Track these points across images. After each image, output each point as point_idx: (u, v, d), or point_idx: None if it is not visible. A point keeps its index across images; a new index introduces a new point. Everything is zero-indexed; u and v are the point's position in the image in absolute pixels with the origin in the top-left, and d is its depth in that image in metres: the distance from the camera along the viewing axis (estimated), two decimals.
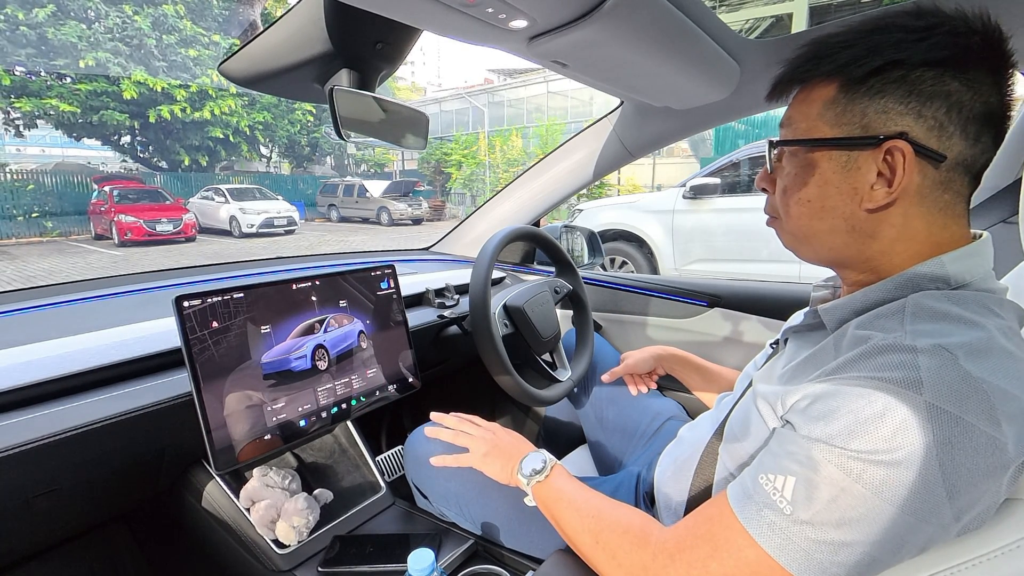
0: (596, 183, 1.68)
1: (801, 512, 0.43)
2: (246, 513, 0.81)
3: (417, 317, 1.14)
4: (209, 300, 0.74)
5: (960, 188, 0.49)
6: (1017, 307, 0.49)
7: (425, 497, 0.91)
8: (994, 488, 0.41)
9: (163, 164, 14.99)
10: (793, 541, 0.43)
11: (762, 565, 0.44)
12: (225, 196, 12.32)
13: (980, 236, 0.52)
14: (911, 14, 0.48)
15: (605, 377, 1.05)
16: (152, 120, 12.77)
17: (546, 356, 1.18)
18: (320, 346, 0.87)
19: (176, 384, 0.76)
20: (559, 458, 1.21)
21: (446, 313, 1.19)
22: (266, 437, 0.78)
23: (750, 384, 0.64)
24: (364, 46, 0.82)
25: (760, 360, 0.72)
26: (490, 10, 0.65)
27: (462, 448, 0.78)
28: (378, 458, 1.04)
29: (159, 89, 12.13)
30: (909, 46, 0.46)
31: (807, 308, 0.63)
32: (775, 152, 0.56)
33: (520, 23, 0.70)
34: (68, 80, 11.98)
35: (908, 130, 0.47)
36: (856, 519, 0.41)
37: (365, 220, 14.88)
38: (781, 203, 0.56)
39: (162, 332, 0.84)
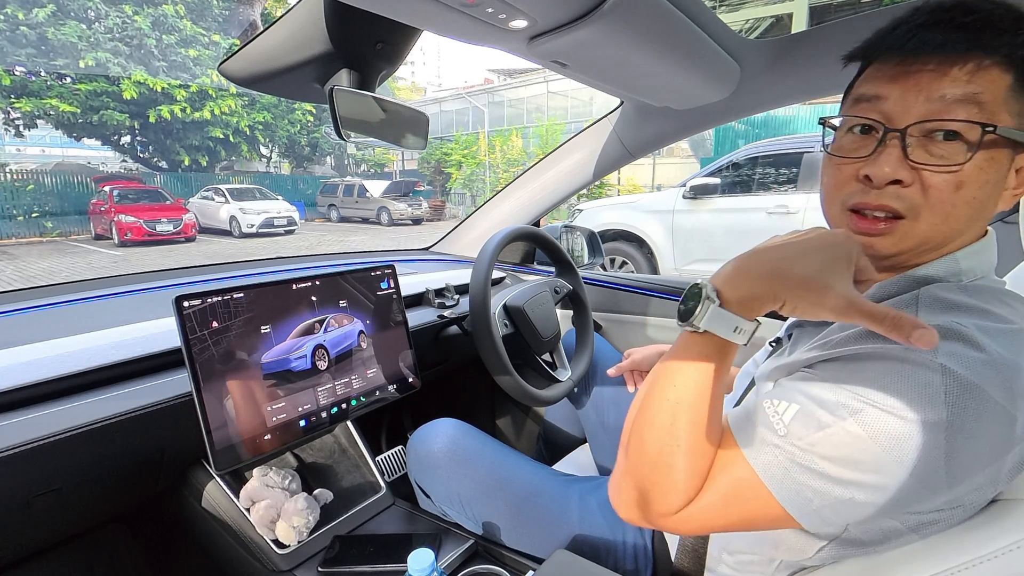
0: (596, 183, 1.68)
1: (794, 436, 0.43)
2: (246, 513, 0.81)
3: (417, 317, 1.14)
4: (209, 300, 0.74)
5: None
6: (1022, 299, 0.49)
7: (428, 496, 0.91)
8: (995, 465, 0.41)
9: (163, 164, 14.99)
10: (778, 459, 0.44)
11: (744, 478, 0.45)
12: (225, 196, 12.32)
13: (987, 232, 0.52)
14: None
15: (611, 371, 1.04)
16: (152, 120, 12.77)
17: (546, 356, 1.18)
18: (320, 346, 0.87)
19: (176, 384, 0.76)
20: (558, 458, 1.23)
21: (446, 313, 1.19)
22: (266, 437, 0.78)
23: (751, 384, 0.64)
24: (364, 46, 0.82)
25: (760, 358, 0.72)
26: (490, 10, 0.65)
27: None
28: (378, 458, 1.04)
29: (159, 89, 12.13)
30: None
31: None
32: (980, 139, 0.44)
33: (520, 23, 0.70)
34: (68, 80, 11.98)
35: None
36: (847, 458, 0.41)
37: (365, 220, 14.88)
38: (939, 201, 0.46)
39: (162, 332, 0.84)
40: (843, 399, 0.42)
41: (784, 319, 0.61)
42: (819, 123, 0.55)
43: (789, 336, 0.62)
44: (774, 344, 0.68)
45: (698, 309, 0.46)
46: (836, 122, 0.54)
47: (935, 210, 0.46)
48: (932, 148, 0.46)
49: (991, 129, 0.43)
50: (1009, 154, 0.46)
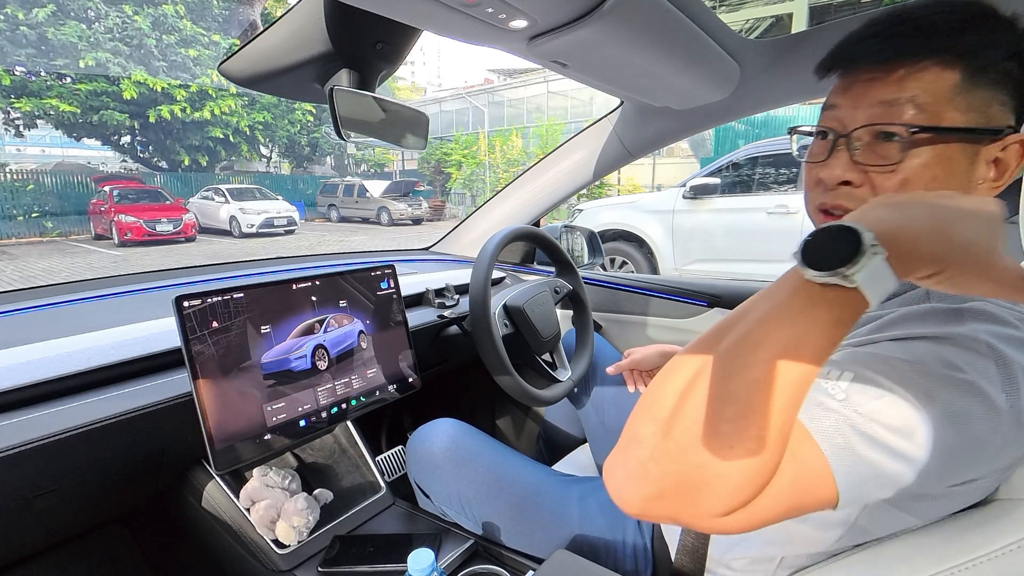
0: (596, 183, 1.68)
1: (855, 403, 0.40)
2: (246, 513, 0.81)
3: (417, 317, 1.14)
4: (209, 300, 0.74)
5: None
6: None
7: (427, 496, 0.91)
8: (1018, 448, 0.42)
9: (163, 164, 14.99)
10: (835, 423, 0.40)
11: (808, 462, 0.39)
12: (225, 196, 12.32)
13: None
14: (994, 11, 0.46)
15: (610, 369, 1.03)
16: (152, 120, 12.78)
17: (546, 356, 1.18)
18: (320, 346, 0.87)
19: (176, 384, 0.76)
20: (558, 458, 1.23)
21: (446, 313, 1.19)
22: (266, 437, 0.78)
23: None
24: (364, 46, 0.82)
25: None
26: (490, 10, 0.65)
27: None
28: (378, 458, 1.04)
29: (159, 89, 12.13)
30: (1021, 43, 0.46)
31: None
32: (909, 137, 0.46)
33: (520, 23, 0.70)
34: (68, 80, 11.99)
35: (1015, 126, 0.46)
36: (906, 428, 0.39)
37: (365, 220, 14.88)
38: None
39: (162, 332, 0.84)
40: (901, 369, 0.41)
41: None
42: (787, 132, 0.58)
43: None
44: None
45: (859, 259, 0.34)
46: (809, 130, 0.56)
47: None
48: (877, 149, 0.48)
49: (916, 129, 0.46)
50: (966, 148, 0.47)
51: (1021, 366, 0.41)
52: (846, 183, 0.50)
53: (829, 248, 0.35)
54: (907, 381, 0.40)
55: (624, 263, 4.66)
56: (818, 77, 0.53)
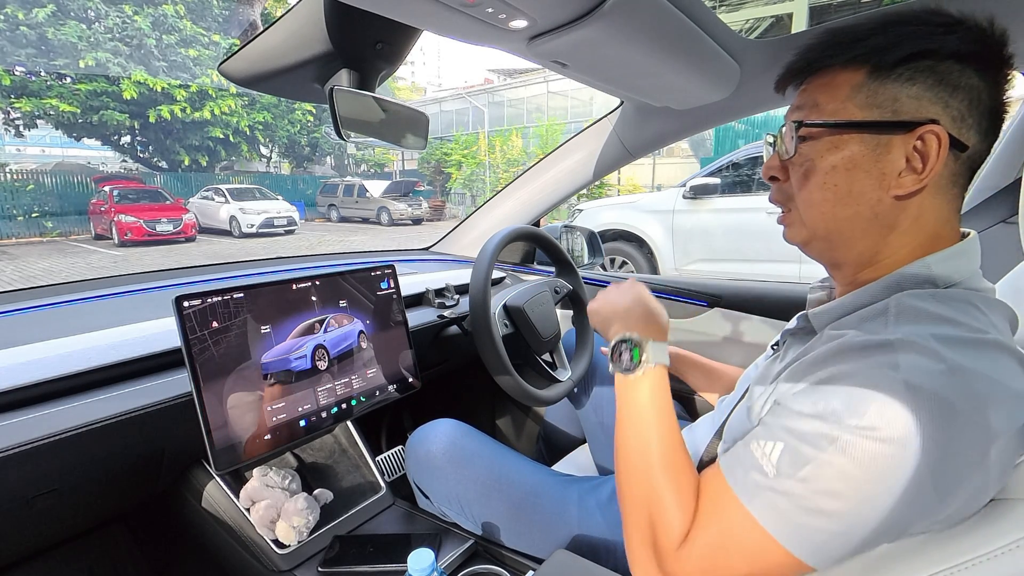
0: (596, 183, 1.68)
1: (784, 476, 0.44)
2: (246, 513, 0.81)
3: (417, 317, 1.14)
4: (209, 300, 0.74)
5: (964, 183, 0.51)
6: (1004, 305, 0.50)
7: (427, 497, 0.91)
8: (979, 470, 0.41)
9: (163, 164, 14.99)
10: (772, 500, 0.44)
11: (740, 521, 0.46)
12: (225, 196, 12.32)
13: (967, 235, 0.52)
14: (929, 11, 0.49)
15: (604, 349, 1.03)
16: (152, 120, 12.78)
17: (546, 356, 1.18)
18: (320, 346, 0.87)
19: (176, 384, 0.76)
20: (558, 458, 1.22)
21: (446, 313, 1.19)
22: (266, 437, 0.78)
23: (749, 387, 0.64)
24: (364, 46, 0.82)
25: (761, 362, 0.72)
26: (490, 10, 0.65)
27: None
28: (378, 458, 1.04)
29: (159, 89, 12.13)
30: (938, 38, 0.47)
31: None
32: (795, 135, 0.53)
33: (520, 23, 0.70)
34: (68, 80, 11.98)
35: (938, 118, 0.47)
36: (837, 490, 0.42)
37: (365, 220, 14.88)
38: (800, 189, 0.54)
39: (162, 332, 0.84)
40: (821, 429, 0.43)
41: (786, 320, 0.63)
42: (764, 139, 0.62)
43: (784, 342, 0.64)
44: (775, 348, 0.68)
45: (644, 354, 0.63)
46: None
47: (800, 197, 0.54)
48: (786, 145, 0.54)
49: (798, 123, 0.52)
50: (868, 139, 0.49)
51: (938, 397, 0.40)
52: (773, 179, 0.57)
53: (622, 357, 0.66)
54: (827, 439, 0.42)
55: (624, 263, 4.66)
56: (779, 93, 0.58)
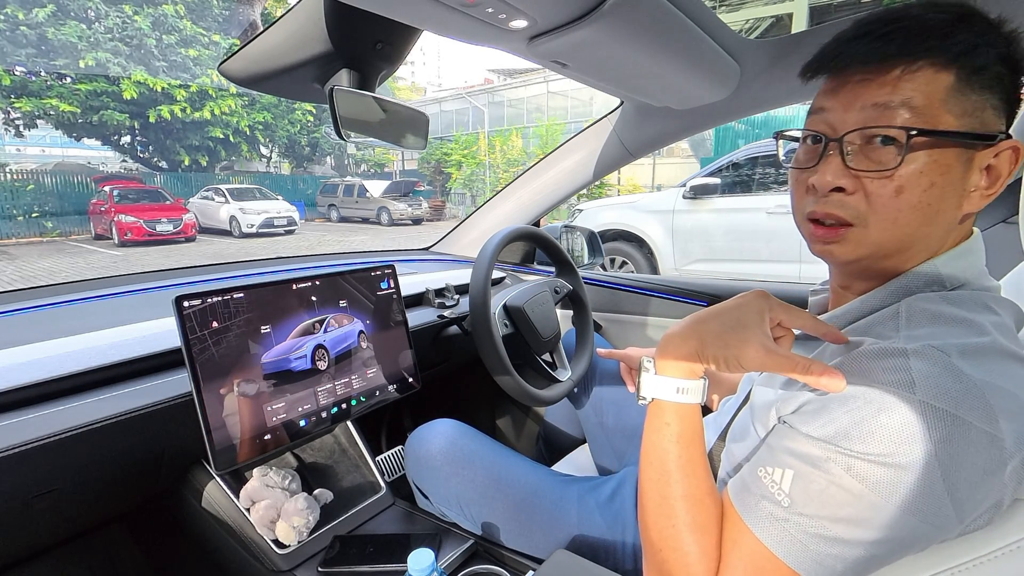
0: (596, 183, 1.68)
1: (799, 506, 0.43)
2: (246, 513, 0.81)
3: (417, 317, 1.14)
4: (209, 300, 0.74)
5: None
6: (1013, 305, 0.49)
7: (426, 497, 0.91)
8: (996, 486, 0.41)
9: (163, 164, 14.98)
10: (791, 533, 0.43)
11: (760, 556, 0.44)
12: (225, 196, 12.32)
13: (971, 234, 0.51)
14: (983, 12, 0.45)
15: (601, 352, 1.00)
16: (152, 120, 12.78)
17: (546, 356, 1.18)
18: (320, 346, 0.87)
19: (176, 384, 0.76)
20: (558, 459, 1.22)
21: (446, 313, 1.19)
22: (266, 437, 0.78)
23: (752, 389, 0.64)
24: (364, 46, 0.82)
25: None
26: (490, 10, 0.65)
27: None
28: (378, 458, 1.04)
29: (159, 89, 12.13)
30: (1014, 45, 0.45)
31: None
32: (906, 143, 0.44)
33: (520, 23, 0.70)
34: (68, 80, 11.98)
35: (1004, 131, 0.45)
36: (855, 517, 0.41)
37: (365, 220, 14.88)
38: (883, 206, 0.46)
39: (162, 332, 0.84)
40: (831, 454, 0.42)
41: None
42: (773, 136, 0.57)
43: None
44: None
45: (645, 386, 0.52)
46: (796, 134, 0.55)
47: (880, 215, 0.46)
48: (871, 154, 0.46)
49: (914, 132, 0.44)
50: (961, 154, 0.45)
51: (955, 417, 0.39)
52: (838, 189, 0.48)
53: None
54: (839, 465, 0.41)
55: (624, 263, 4.66)
56: (804, 80, 0.52)
